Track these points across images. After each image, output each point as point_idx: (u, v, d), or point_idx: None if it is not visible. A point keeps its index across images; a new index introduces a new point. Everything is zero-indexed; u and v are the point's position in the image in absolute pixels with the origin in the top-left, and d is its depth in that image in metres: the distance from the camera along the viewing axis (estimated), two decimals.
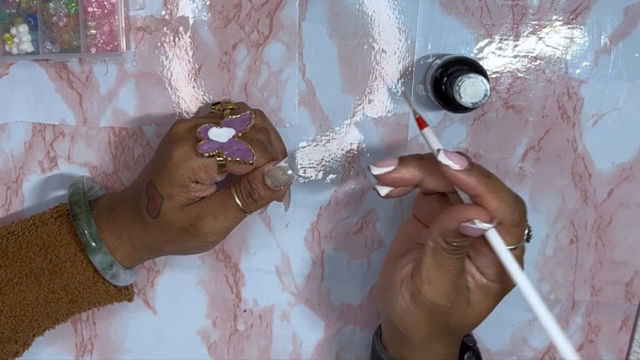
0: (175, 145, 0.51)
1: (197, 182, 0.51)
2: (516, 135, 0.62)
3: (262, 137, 0.53)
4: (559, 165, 0.62)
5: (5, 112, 0.62)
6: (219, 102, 0.57)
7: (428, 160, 0.48)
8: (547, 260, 0.64)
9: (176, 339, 0.67)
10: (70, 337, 0.66)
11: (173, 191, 0.51)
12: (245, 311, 0.66)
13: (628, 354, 0.66)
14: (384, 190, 0.49)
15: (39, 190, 0.64)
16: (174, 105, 0.62)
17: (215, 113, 0.57)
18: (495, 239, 0.46)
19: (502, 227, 0.46)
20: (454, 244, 0.46)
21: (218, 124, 0.52)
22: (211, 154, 0.50)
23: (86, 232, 0.54)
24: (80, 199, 0.56)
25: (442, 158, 0.45)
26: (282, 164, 0.51)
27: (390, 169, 0.48)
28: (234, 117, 0.52)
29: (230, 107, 0.56)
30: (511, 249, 0.47)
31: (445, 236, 0.46)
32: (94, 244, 0.54)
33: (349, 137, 0.63)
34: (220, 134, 0.51)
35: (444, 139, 0.62)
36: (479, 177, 0.45)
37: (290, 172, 0.50)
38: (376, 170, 0.48)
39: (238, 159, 0.50)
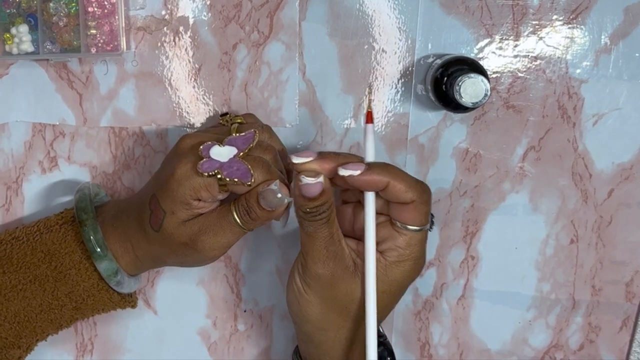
0: (178, 161, 0.51)
1: (199, 200, 0.51)
2: (516, 135, 0.62)
3: (268, 156, 0.52)
4: (559, 165, 0.62)
5: (5, 112, 0.62)
6: (227, 113, 0.57)
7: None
8: (547, 260, 0.64)
9: (176, 339, 0.67)
10: (71, 337, 0.66)
11: (175, 207, 0.51)
12: (245, 311, 0.66)
13: (628, 353, 0.66)
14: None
15: (39, 190, 0.64)
16: (174, 105, 0.62)
17: (223, 125, 0.56)
18: (369, 202, 0.50)
19: (414, 206, 0.49)
20: (306, 209, 0.49)
21: (221, 142, 0.51)
22: (210, 173, 0.49)
23: (92, 238, 0.54)
24: (87, 205, 0.56)
25: (342, 172, 0.49)
26: (273, 186, 0.50)
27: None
28: (237, 135, 0.52)
29: (239, 120, 0.55)
30: (418, 230, 0.50)
31: (296, 205, 0.50)
32: (99, 250, 0.54)
33: (349, 137, 0.63)
34: (222, 153, 0.50)
35: (444, 139, 0.62)
36: (379, 170, 0.49)
37: (280, 195, 0.50)
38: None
39: (236, 180, 0.49)
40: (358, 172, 0.49)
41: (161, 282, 0.66)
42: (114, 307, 0.58)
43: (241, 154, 0.51)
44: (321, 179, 0.49)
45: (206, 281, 0.66)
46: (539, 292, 0.65)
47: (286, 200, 0.50)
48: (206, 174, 0.50)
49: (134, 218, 0.54)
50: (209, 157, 0.50)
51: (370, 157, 0.50)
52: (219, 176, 0.50)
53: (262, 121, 0.58)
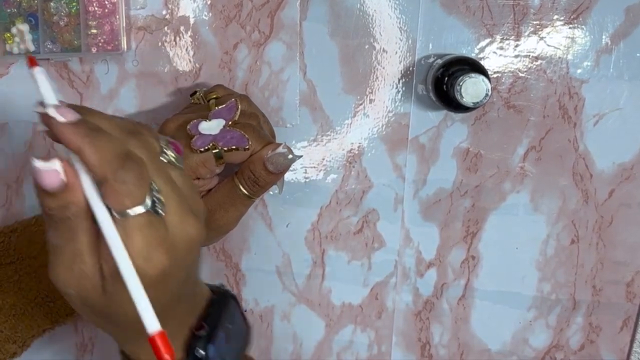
0: None
1: (198, 178, 0.51)
2: (517, 135, 0.62)
3: (254, 122, 0.53)
4: (560, 165, 0.62)
5: (5, 111, 0.62)
6: (196, 91, 0.56)
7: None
8: (548, 260, 0.64)
9: None
10: (71, 337, 0.66)
11: None
12: (245, 311, 0.66)
13: (629, 353, 0.66)
14: None
15: None
16: (175, 105, 0.62)
17: (197, 103, 0.56)
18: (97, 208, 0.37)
19: (108, 185, 0.36)
20: (45, 209, 0.38)
21: (206, 117, 0.52)
22: (206, 148, 0.50)
23: None
24: None
25: (42, 109, 0.36)
26: (281, 149, 0.50)
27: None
28: (220, 107, 0.52)
29: (215, 96, 0.55)
30: (123, 216, 0.36)
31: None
32: None
33: (350, 137, 0.62)
34: (211, 127, 0.51)
35: (445, 139, 0.62)
36: (71, 129, 0.36)
37: (290, 156, 0.50)
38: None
39: (234, 147, 0.50)
40: (63, 119, 0.36)
41: None
42: None
43: (230, 122, 0.51)
44: (57, 165, 0.36)
45: (206, 281, 0.65)
46: (539, 292, 0.65)
47: (296, 159, 0.51)
48: (202, 149, 0.50)
49: None
50: (199, 133, 0.50)
51: (50, 99, 0.37)
52: (215, 150, 0.50)
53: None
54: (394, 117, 0.62)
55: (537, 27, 0.60)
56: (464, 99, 0.53)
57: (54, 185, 0.36)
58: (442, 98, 0.57)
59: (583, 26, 0.60)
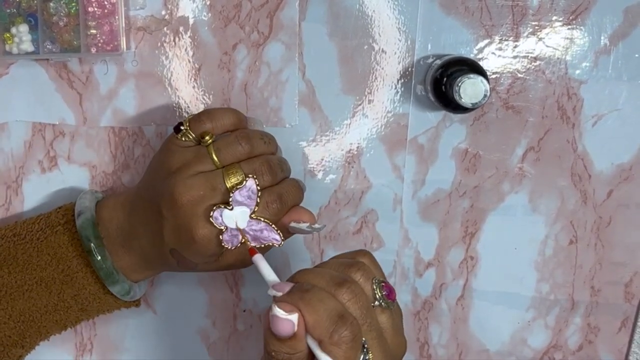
0: (193, 225, 0.50)
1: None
2: (516, 136, 0.62)
3: (268, 176, 0.51)
4: (558, 166, 0.63)
5: (5, 111, 0.62)
6: (180, 128, 0.53)
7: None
8: (546, 260, 0.64)
9: (175, 338, 0.67)
10: (70, 337, 0.66)
11: (204, 259, 0.52)
12: (244, 311, 0.66)
13: (627, 354, 0.66)
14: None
15: (39, 189, 0.64)
16: (174, 105, 0.62)
17: (187, 142, 0.53)
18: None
19: (322, 344, 0.41)
20: (270, 350, 0.43)
21: (228, 204, 0.49)
22: (238, 245, 0.50)
23: (104, 266, 0.54)
24: (90, 234, 0.54)
25: (269, 291, 0.43)
26: (305, 227, 0.51)
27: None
28: (237, 190, 0.49)
29: (209, 140, 0.52)
30: None
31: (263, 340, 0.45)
32: (112, 276, 0.55)
33: (349, 137, 0.63)
34: (236, 218, 0.49)
35: (444, 140, 0.62)
36: (294, 295, 0.42)
37: (314, 231, 0.51)
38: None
39: (266, 244, 0.51)
40: (279, 294, 0.42)
41: (161, 282, 0.66)
42: (118, 307, 0.59)
43: (255, 209, 0.50)
44: (294, 317, 0.41)
45: (206, 281, 0.66)
46: (538, 292, 0.65)
47: (319, 230, 0.52)
48: (233, 248, 0.50)
49: (156, 258, 0.54)
50: (224, 224, 0.49)
51: (270, 279, 0.45)
52: (249, 244, 0.50)
53: (262, 122, 0.59)
54: (393, 118, 0.62)
55: (536, 27, 0.60)
56: (462, 100, 0.53)
57: (286, 334, 0.41)
58: (441, 99, 0.57)
59: (582, 27, 0.60)
